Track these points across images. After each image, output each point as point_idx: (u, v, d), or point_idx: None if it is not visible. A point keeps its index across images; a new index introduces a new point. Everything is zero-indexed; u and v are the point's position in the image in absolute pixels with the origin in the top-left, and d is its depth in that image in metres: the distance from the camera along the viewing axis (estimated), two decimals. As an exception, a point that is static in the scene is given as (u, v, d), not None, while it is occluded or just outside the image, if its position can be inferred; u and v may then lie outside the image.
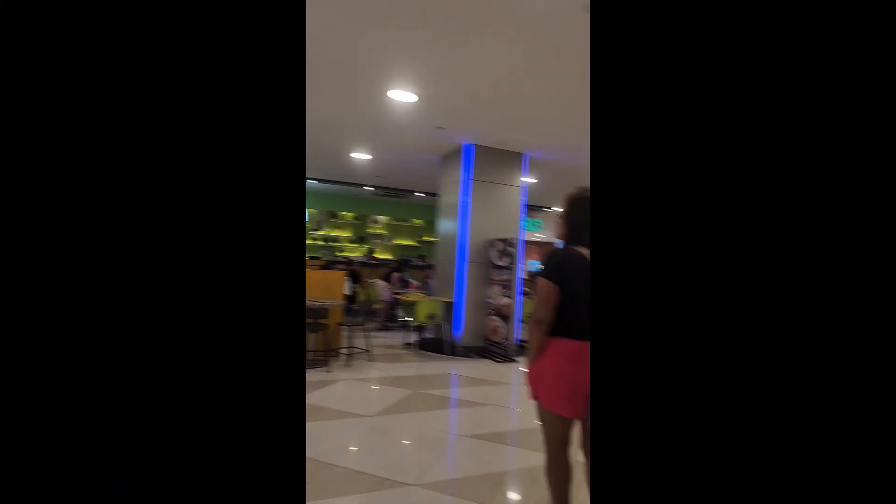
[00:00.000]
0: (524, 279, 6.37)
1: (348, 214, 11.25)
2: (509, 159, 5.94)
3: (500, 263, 5.60)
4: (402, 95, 4.20)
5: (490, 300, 5.73)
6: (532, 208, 10.24)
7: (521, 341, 6.21)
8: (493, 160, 5.84)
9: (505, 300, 5.47)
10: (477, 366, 5.13)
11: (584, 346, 1.66)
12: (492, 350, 5.66)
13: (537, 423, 1.81)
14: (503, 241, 5.58)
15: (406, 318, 6.22)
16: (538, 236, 11.97)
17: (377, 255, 10.93)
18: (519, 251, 5.75)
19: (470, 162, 5.72)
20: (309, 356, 4.71)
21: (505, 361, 5.38)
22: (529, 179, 7.44)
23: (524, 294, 6.77)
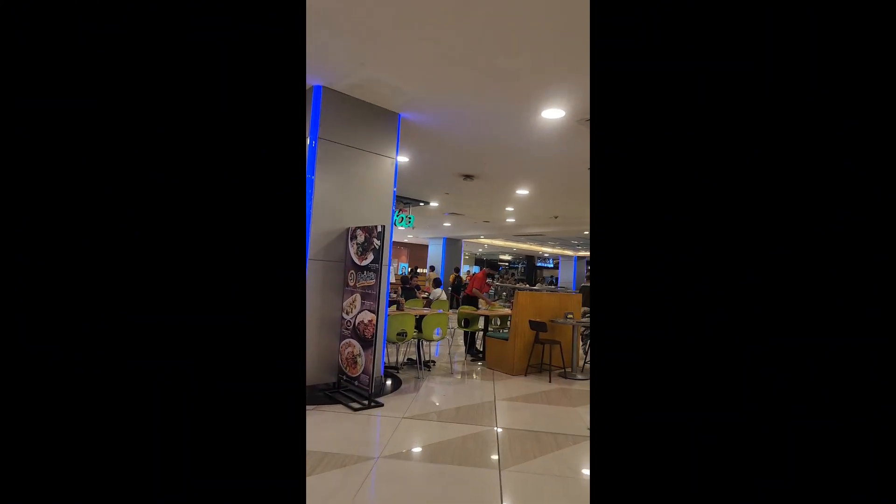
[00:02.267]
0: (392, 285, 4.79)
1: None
2: (379, 119, 4.27)
3: (360, 263, 3.87)
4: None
5: (345, 316, 3.97)
6: (401, 201, 8.71)
7: (390, 370, 4.56)
8: (356, 116, 4.10)
9: (366, 315, 3.74)
10: (319, 420, 3.30)
11: None
12: (347, 390, 3.90)
13: None
14: (366, 230, 3.87)
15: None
16: (408, 237, 10.51)
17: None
18: (388, 247, 4.10)
19: (317, 113, 3.88)
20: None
21: (366, 407, 3.64)
22: (402, 158, 5.88)
23: (394, 305, 5.13)
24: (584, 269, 22.93)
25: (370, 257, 3.78)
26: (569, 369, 5.45)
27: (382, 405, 3.71)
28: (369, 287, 3.74)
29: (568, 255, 22.37)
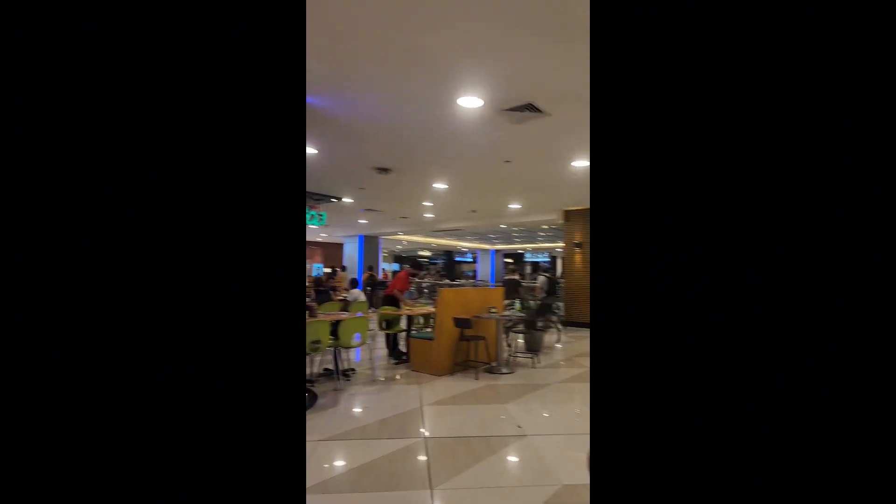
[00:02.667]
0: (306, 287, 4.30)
1: None
2: (275, 101, 3.75)
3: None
4: None
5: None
6: (312, 197, 8.07)
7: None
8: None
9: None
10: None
11: None
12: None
13: None
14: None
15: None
16: (322, 235, 9.85)
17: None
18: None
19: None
20: None
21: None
22: (310, 150, 5.35)
23: (305, 312, 4.63)
24: (501, 263, 23.69)
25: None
26: (494, 363, 5.39)
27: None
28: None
29: (485, 248, 22.93)
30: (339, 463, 2.71)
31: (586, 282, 9.29)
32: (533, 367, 5.45)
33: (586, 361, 5.88)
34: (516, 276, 8.48)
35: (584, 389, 4.44)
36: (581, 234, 9.45)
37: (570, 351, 6.60)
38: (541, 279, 9.52)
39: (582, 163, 5.54)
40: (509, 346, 6.24)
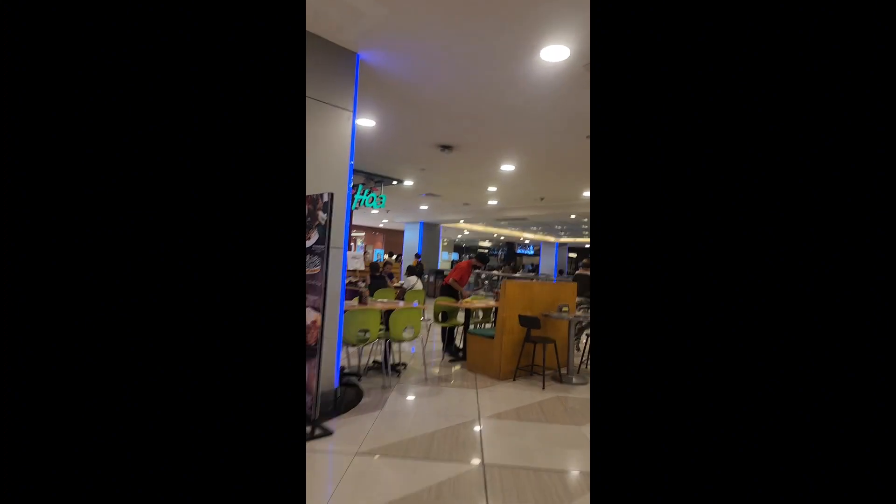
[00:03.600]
0: (349, 279, 3.88)
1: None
2: (331, 58, 3.27)
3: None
4: None
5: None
6: (372, 178, 7.70)
7: (349, 378, 3.66)
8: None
9: (308, 315, 2.80)
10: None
11: None
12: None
13: None
14: (309, 200, 2.91)
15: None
16: (384, 221, 9.53)
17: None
18: (344, 221, 3.16)
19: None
20: None
21: (308, 438, 2.72)
22: (367, 121, 4.89)
23: (356, 298, 4.21)
24: (566, 257, 22.38)
25: (314, 237, 2.83)
26: (564, 371, 4.66)
27: (332, 433, 2.80)
28: (313, 276, 2.80)
29: (549, 241, 21.76)
30: (373, 492, 2.19)
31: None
32: (610, 379, 4.65)
33: (674, 376, 4.95)
34: (588, 272, 7.56)
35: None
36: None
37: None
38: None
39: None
40: (580, 350, 5.45)
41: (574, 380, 4.43)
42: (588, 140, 4.86)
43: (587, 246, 22.75)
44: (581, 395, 4.02)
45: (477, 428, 3.05)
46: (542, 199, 9.46)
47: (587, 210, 10.09)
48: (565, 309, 4.82)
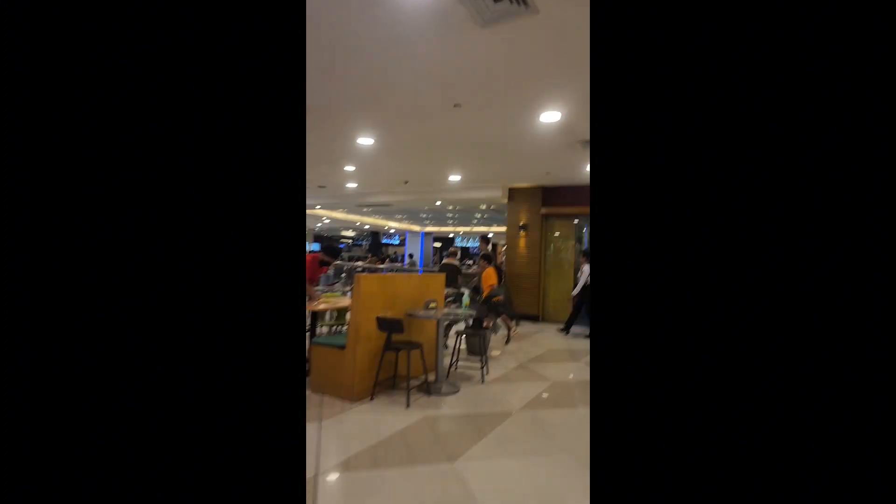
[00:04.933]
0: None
1: None
2: None
3: None
4: None
5: None
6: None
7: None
8: None
9: None
10: None
11: None
12: None
13: None
14: None
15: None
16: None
17: None
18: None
19: None
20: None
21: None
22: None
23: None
24: (431, 246, 22.34)
25: None
26: (431, 379, 3.96)
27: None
28: None
29: (415, 230, 21.41)
30: None
31: (530, 269, 8.21)
32: (482, 383, 4.11)
33: (544, 369, 4.68)
34: (455, 261, 7.10)
35: (560, 422, 3.18)
36: (527, 216, 8.32)
37: (519, 354, 5.39)
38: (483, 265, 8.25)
39: (553, 115, 4.22)
40: (447, 348, 4.86)
41: (443, 388, 3.76)
42: (454, 108, 4.19)
43: (451, 235, 23.08)
44: (452, 410, 3.36)
45: (311, 497, 2.10)
46: (406, 182, 8.73)
47: (453, 196, 9.72)
48: (433, 305, 4.11)
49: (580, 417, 3.26)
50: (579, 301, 6.62)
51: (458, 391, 3.81)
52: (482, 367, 4.37)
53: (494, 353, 5.37)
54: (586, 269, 6.60)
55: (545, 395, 3.84)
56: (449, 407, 3.42)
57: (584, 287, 6.51)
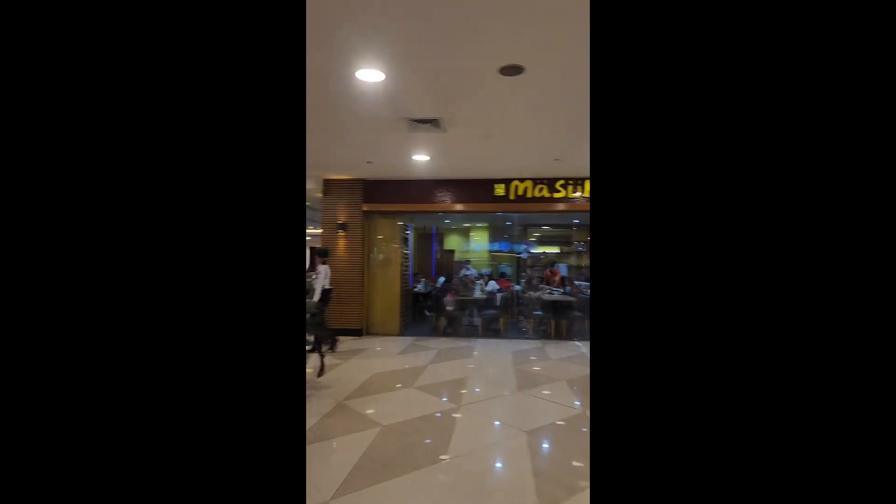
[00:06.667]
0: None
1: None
2: None
3: None
4: None
5: None
6: None
7: None
8: None
9: None
10: None
11: None
12: None
13: None
14: None
15: None
16: None
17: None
18: None
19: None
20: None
21: None
22: None
23: None
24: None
25: None
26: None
27: None
28: None
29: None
30: None
31: (352, 275, 7.05)
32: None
33: (366, 405, 3.59)
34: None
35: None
36: (346, 214, 7.13)
37: (338, 386, 4.19)
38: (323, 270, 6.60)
39: (372, 74, 3.17)
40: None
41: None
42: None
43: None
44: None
45: None
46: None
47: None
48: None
49: (431, 485, 2.29)
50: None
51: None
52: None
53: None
54: (322, 269, 5.89)
55: (373, 453, 2.75)
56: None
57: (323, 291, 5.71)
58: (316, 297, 5.42)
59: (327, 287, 6.00)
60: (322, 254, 6.30)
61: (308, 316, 4.23)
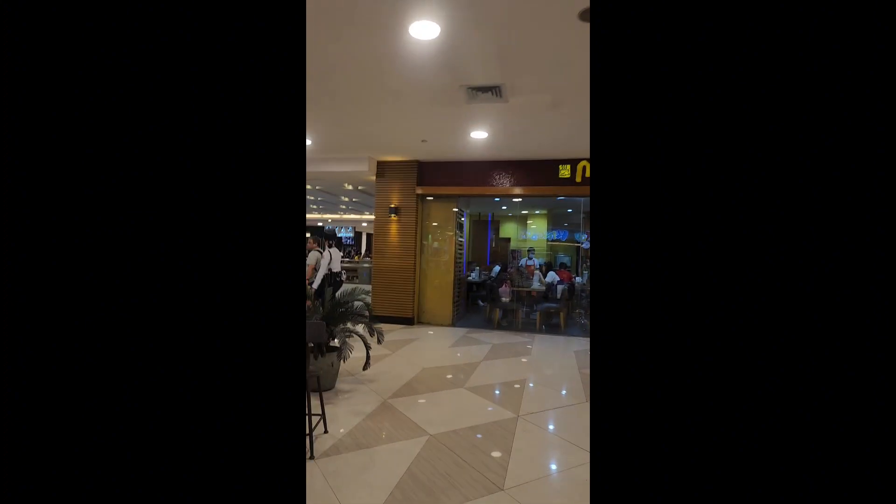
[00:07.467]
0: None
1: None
2: None
3: None
4: None
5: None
6: None
7: None
8: None
9: None
10: None
11: None
12: None
13: None
14: None
15: None
16: None
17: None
18: None
19: None
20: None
21: None
22: None
23: None
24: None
25: None
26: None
27: None
28: None
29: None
30: None
31: (404, 262, 6.73)
32: (310, 458, 2.45)
33: (413, 407, 3.20)
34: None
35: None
36: (399, 197, 6.79)
37: (384, 381, 3.85)
38: (313, 256, 6.47)
39: (428, 28, 2.70)
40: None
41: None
42: None
43: (319, 224, 20.53)
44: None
45: None
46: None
47: (311, 170, 7.70)
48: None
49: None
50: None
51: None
52: (315, 424, 2.70)
53: (344, 386, 3.73)
54: (334, 253, 5.97)
55: (417, 470, 2.35)
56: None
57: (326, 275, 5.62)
58: (316, 284, 5.45)
59: (336, 270, 6.04)
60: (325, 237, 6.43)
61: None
